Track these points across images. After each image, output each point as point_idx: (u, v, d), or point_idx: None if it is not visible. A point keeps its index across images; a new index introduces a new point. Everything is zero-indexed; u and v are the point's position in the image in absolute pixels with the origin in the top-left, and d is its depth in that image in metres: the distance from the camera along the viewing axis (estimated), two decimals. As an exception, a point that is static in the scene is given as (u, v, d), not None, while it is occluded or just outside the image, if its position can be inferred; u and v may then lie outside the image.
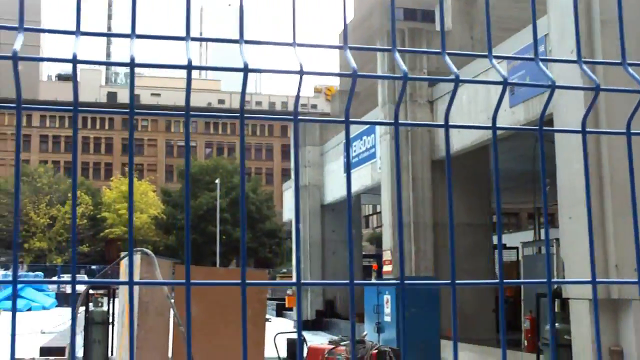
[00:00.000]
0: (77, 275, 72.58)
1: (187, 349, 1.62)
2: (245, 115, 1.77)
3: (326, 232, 36.01)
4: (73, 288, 2.04)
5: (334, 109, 41.18)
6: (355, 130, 30.55)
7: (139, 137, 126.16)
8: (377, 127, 27.63)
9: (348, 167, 1.88)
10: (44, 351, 15.61)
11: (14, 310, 1.59)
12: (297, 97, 1.73)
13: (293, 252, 36.69)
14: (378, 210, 67.44)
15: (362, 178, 30.81)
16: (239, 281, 1.71)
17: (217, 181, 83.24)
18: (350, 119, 1.77)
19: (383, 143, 26.48)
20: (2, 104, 1.78)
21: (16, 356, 17.16)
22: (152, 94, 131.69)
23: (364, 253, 51.29)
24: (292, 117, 1.80)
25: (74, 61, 1.62)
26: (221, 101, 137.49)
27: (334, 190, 34.98)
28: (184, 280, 1.68)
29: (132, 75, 1.72)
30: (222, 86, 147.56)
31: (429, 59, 24.92)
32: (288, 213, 43.85)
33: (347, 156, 1.84)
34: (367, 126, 28.99)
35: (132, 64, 1.64)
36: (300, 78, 1.70)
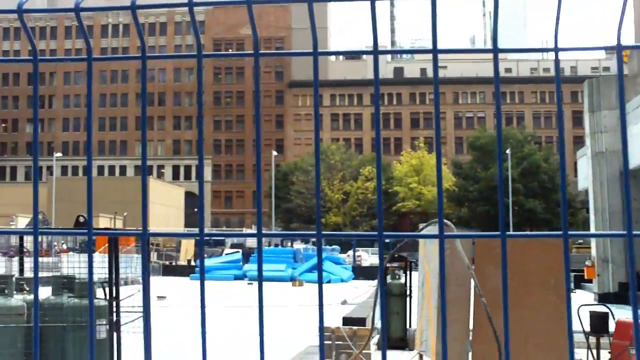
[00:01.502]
0: (370, 249, 74.42)
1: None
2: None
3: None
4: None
5: (631, 69, 38.66)
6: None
7: (427, 110, 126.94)
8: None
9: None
10: (347, 321, 15.97)
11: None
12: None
13: (591, 222, 34.93)
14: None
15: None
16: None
17: (507, 151, 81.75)
18: None
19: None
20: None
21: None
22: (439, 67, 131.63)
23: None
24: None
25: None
26: (508, 70, 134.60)
27: (636, 156, 32.70)
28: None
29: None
30: (508, 55, 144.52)
31: None
32: (583, 182, 41.92)
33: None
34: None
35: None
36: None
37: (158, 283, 34.48)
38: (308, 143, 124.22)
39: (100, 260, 13.87)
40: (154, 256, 54.74)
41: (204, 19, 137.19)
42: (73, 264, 14.50)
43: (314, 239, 63.61)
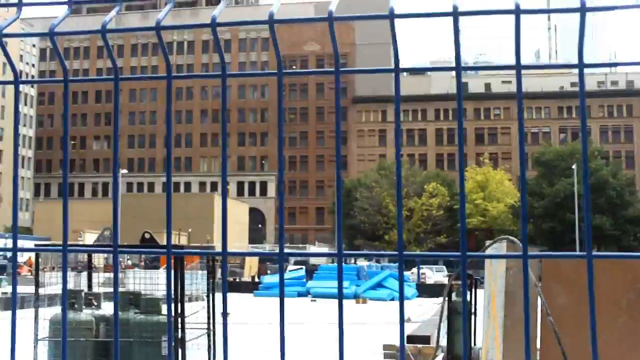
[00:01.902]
0: (435, 266, 73.85)
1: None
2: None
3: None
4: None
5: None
6: None
7: (492, 126, 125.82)
8: None
9: None
10: (411, 339, 15.83)
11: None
12: None
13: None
14: None
15: None
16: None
17: (573, 167, 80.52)
18: None
19: None
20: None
21: (384, 342, 17.64)
22: (503, 82, 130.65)
23: None
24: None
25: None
26: (574, 84, 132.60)
27: None
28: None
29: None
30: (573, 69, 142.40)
31: None
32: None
33: None
34: None
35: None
36: None
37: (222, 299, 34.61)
38: (372, 159, 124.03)
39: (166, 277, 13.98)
40: (218, 272, 54.87)
41: (268, 36, 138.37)
42: (137, 280, 14.66)
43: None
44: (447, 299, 16.99)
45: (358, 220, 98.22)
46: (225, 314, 1.63)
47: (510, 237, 7.48)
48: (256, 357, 18.74)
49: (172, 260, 12.32)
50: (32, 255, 76.14)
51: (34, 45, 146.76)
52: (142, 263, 57.95)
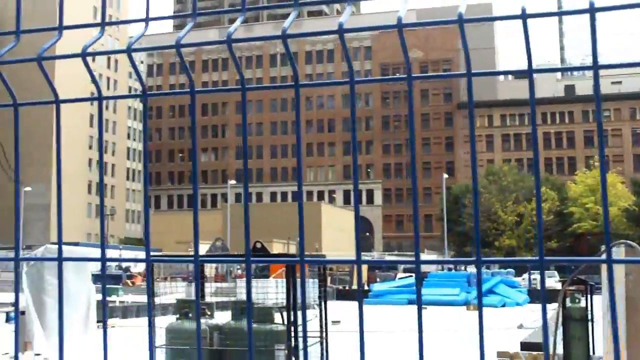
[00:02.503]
0: (547, 272, 72.23)
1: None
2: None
3: None
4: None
5: None
6: None
7: (604, 128, 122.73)
8: None
9: None
10: (525, 346, 15.45)
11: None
12: None
13: None
14: None
15: None
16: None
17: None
18: None
19: None
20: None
21: (498, 349, 17.28)
22: (613, 82, 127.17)
23: None
24: None
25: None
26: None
27: None
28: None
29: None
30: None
31: None
32: None
33: None
34: None
35: None
36: None
37: (332, 307, 34.73)
38: (480, 164, 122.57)
39: (275, 285, 14.06)
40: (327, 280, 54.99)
41: (370, 44, 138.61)
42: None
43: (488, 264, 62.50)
44: (561, 305, 16.53)
45: (467, 227, 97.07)
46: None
47: (628, 242, 7.18)
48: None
49: (286, 270, 12.33)
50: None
51: (142, 62, 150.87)
52: (253, 272, 58.47)
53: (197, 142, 1.73)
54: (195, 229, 1.60)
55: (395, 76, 1.69)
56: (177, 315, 11.42)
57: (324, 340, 11.62)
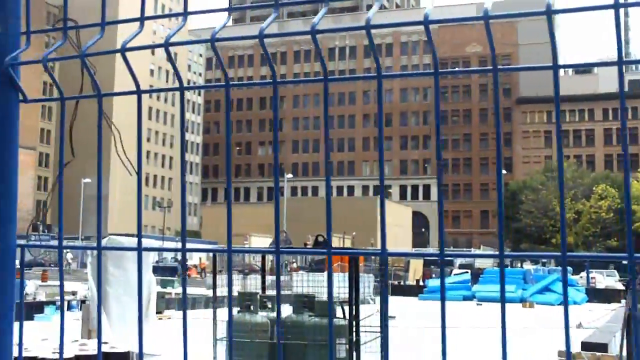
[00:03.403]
0: (605, 270, 71.10)
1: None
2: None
3: None
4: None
5: None
6: None
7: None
8: None
9: None
10: (586, 346, 15.17)
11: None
12: None
13: None
14: None
15: None
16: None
17: None
18: None
19: None
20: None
21: (559, 349, 17.03)
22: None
23: None
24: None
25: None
26: None
27: None
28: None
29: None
30: None
31: None
32: None
33: None
34: None
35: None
36: None
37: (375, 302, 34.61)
38: (537, 161, 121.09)
39: (336, 280, 14.03)
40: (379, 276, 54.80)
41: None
42: (303, 283, 14.80)
43: (544, 260, 61.71)
44: (629, 305, 16.22)
45: (524, 224, 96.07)
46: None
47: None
48: (422, 358, 18.59)
49: (349, 264, 12.32)
50: (204, 259, 78.79)
51: (200, 55, 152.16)
52: (309, 266, 58.76)
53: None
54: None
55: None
56: (239, 308, 11.48)
57: (384, 336, 11.54)
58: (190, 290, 41.49)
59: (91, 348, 8.37)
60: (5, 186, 1.71)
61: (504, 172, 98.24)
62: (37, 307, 28.18)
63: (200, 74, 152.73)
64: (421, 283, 59.46)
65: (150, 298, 13.96)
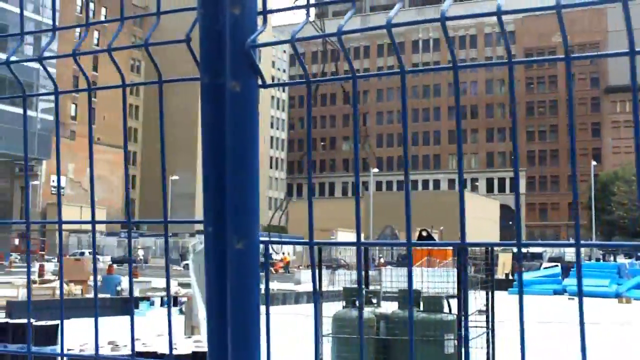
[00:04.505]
0: None
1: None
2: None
3: None
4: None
5: None
6: None
7: None
8: None
9: None
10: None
11: None
12: None
13: None
14: None
15: None
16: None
17: None
18: None
19: None
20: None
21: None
22: None
23: None
24: None
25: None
26: None
27: None
28: None
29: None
30: None
31: None
32: None
33: None
34: None
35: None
36: None
37: (476, 297, 34.21)
38: (628, 151, 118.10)
39: (425, 274, 13.96)
40: (470, 270, 54.32)
41: (514, 29, 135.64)
42: (392, 278, 14.77)
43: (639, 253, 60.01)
44: None
45: (616, 216, 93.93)
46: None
47: None
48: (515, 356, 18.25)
49: (424, 257, 12.19)
50: (288, 253, 79.29)
51: (284, 51, 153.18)
52: (396, 261, 58.57)
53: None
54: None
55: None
56: (344, 304, 11.43)
57: (491, 331, 11.35)
58: (277, 285, 41.69)
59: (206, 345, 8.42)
60: (247, 176, 1.63)
61: (593, 163, 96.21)
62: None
63: (284, 70, 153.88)
64: (510, 277, 58.66)
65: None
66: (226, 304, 1.59)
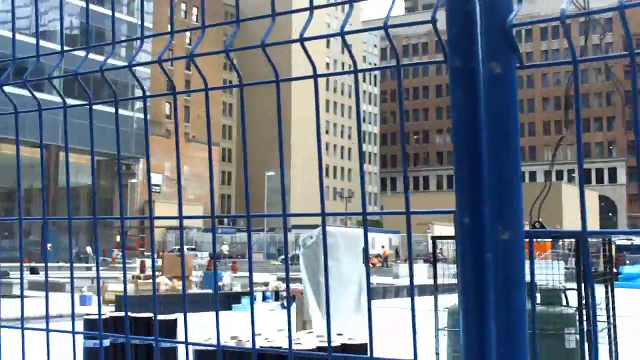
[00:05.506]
0: None
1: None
2: None
3: None
4: None
5: None
6: None
7: None
8: None
9: None
10: None
11: None
12: None
13: None
14: None
15: None
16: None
17: None
18: None
19: None
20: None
21: None
22: None
23: None
24: None
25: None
26: None
27: None
28: None
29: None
30: None
31: None
32: None
33: None
34: None
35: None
36: None
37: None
38: None
39: (538, 266, 13.68)
40: (571, 262, 53.05)
41: (611, 15, 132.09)
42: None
43: None
44: None
45: None
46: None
47: None
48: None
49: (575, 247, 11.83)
50: (386, 247, 79.33)
51: (375, 46, 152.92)
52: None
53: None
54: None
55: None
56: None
57: (613, 326, 11.06)
58: (377, 279, 41.58)
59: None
60: (510, 163, 1.57)
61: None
62: (234, 298, 29.12)
63: (375, 65, 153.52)
64: (615, 270, 57.19)
65: (361, 287, 13.94)
66: (485, 295, 1.51)
